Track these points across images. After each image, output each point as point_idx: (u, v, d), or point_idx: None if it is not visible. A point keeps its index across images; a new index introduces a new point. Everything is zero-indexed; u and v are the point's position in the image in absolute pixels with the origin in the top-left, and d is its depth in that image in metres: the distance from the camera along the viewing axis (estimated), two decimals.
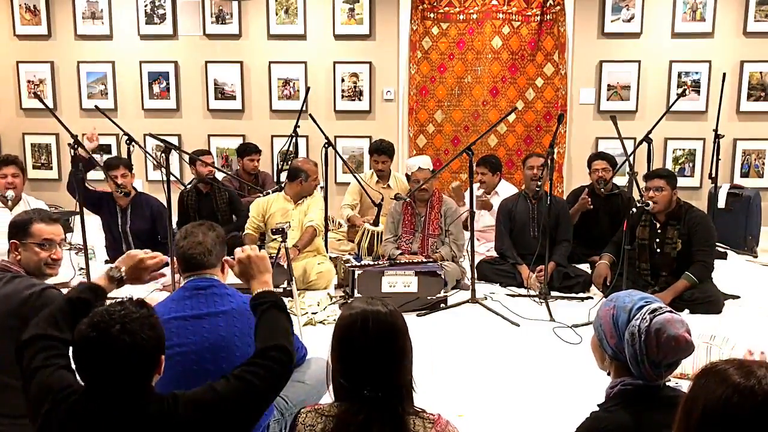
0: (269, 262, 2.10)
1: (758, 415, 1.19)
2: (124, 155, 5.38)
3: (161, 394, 1.67)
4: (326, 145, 5.29)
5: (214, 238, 2.35)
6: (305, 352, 2.65)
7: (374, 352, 1.64)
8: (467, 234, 4.83)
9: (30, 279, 2.43)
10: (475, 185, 5.29)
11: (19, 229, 2.48)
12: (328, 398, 1.81)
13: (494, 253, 5.23)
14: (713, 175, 5.88)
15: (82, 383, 1.65)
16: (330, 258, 5.09)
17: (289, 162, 5.32)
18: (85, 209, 4.45)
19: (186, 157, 5.81)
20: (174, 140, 6.70)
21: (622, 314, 1.77)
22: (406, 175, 5.11)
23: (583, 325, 4.01)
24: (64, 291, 2.43)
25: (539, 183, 4.66)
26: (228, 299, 2.28)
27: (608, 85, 6.67)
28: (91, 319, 1.61)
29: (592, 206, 5.28)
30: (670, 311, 1.76)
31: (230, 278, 2.48)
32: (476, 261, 4.64)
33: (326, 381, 1.75)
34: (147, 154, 5.96)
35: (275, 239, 4.70)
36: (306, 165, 5.03)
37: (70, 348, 1.77)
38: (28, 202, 4.78)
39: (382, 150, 5.76)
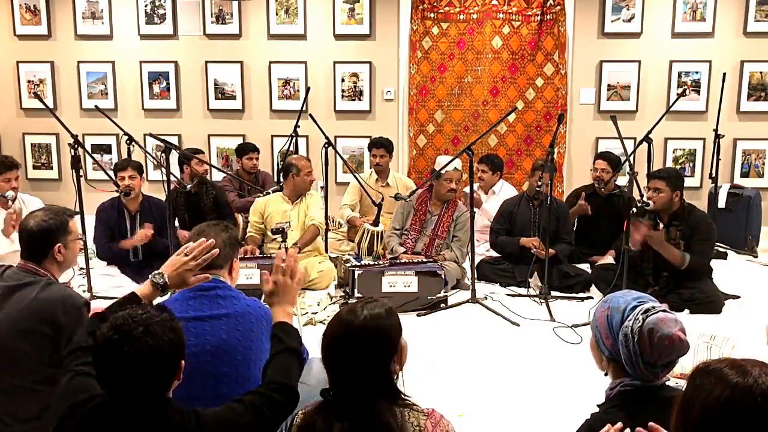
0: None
1: (756, 413, 1.19)
2: (125, 155, 5.39)
3: (181, 406, 1.67)
4: (326, 145, 5.28)
5: (225, 239, 2.35)
6: (306, 355, 2.65)
7: (337, 358, 1.69)
8: (467, 234, 4.83)
9: (65, 288, 2.44)
10: (475, 185, 5.29)
11: (60, 231, 2.46)
12: None
13: (493, 253, 5.23)
14: (713, 175, 5.87)
15: (102, 389, 1.63)
16: (330, 258, 5.09)
17: None
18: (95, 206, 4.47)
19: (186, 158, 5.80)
20: (174, 140, 6.70)
21: (615, 315, 1.78)
22: (434, 170, 5.03)
23: (583, 325, 4.01)
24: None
25: (540, 183, 4.65)
26: (232, 302, 2.28)
27: (608, 85, 6.67)
28: (113, 323, 1.59)
29: (590, 213, 5.28)
30: (664, 310, 1.75)
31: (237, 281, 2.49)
32: (476, 261, 4.64)
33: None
34: (147, 154, 5.96)
35: (275, 239, 4.70)
36: (297, 161, 5.02)
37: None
38: (23, 201, 4.79)
39: (380, 144, 5.77)
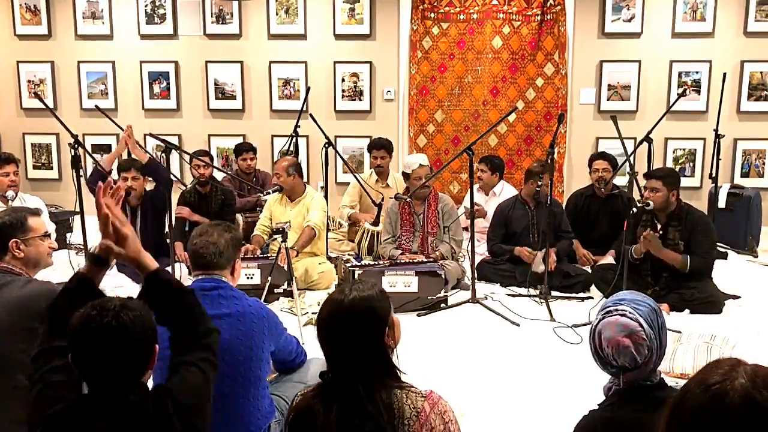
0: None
1: (729, 417, 1.09)
2: (125, 155, 5.39)
3: (151, 389, 1.70)
4: (326, 145, 5.28)
5: (228, 239, 2.38)
6: (305, 357, 2.66)
7: (331, 339, 1.70)
8: (467, 234, 4.83)
9: (48, 282, 2.46)
10: (475, 186, 5.29)
11: (15, 228, 2.48)
12: None
13: None
14: (714, 175, 5.87)
15: (80, 373, 1.64)
16: (330, 258, 5.09)
17: None
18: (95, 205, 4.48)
19: (187, 158, 5.81)
20: (174, 140, 6.70)
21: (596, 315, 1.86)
22: (404, 173, 5.07)
23: (583, 325, 4.01)
24: None
25: (539, 184, 4.65)
26: (234, 301, 2.29)
27: (608, 85, 6.67)
28: (89, 305, 1.62)
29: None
30: (622, 314, 1.75)
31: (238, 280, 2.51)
32: (476, 261, 4.64)
33: None
34: (147, 154, 5.95)
35: (275, 239, 4.71)
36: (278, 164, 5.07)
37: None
38: (24, 199, 4.79)
39: (380, 145, 5.76)
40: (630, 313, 1.74)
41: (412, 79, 6.76)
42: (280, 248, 4.03)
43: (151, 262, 1.89)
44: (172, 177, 4.64)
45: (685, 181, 6.38)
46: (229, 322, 2.21)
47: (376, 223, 5.10)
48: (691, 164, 6.72)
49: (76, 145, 4.35)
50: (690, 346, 3.43)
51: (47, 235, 2.60)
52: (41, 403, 1.66)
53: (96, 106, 5.55)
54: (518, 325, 4.11)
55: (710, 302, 4.24)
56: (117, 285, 4.60)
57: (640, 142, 4.59)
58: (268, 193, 4.97)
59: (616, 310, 1.76)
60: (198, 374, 1.74)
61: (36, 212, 2.66)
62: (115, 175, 5.03)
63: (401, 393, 1.66)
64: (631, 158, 4.34)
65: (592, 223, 5.35)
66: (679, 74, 6.59)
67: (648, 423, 1.53)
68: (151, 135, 4.88)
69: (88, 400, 1.62)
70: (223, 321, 2.19)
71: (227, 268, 2.38)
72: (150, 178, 5.06)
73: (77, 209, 4.47)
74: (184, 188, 5.49)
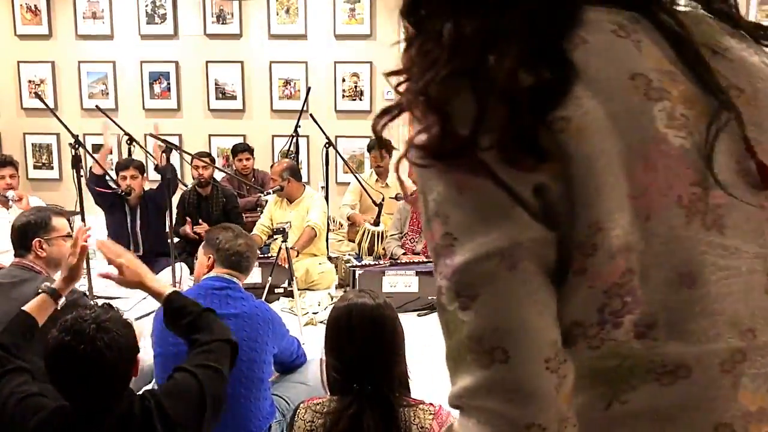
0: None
1: None
2: (125, 155, 5.39)
3: (138, 394, 1.68)
4: (327, 145, 5.28)
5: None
6: (305, 359, 2.67)
7: (359, 345, 1.64)
8: None
9: None
10: None
11: (39, 227, 2.51)
12: None
13: None
14: None
15: (60, 394, 1.61)
16: (330, 258, 5.09)
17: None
18: (95, 205, 4.50)
19: (187, 158, 5.81)
20: (175, 140, 6.68)
21: None
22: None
23: None
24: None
25: None
26: (241, 303, 2.32)
27: None
28: (63, 325, 1.56)
29: None
30: None
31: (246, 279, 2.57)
32: None
33: (320, 375, 1.76)
34: (148, 154, 5.95)
35: (276, 239, 4.71)
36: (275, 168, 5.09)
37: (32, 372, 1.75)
38: (28, 201, 4.78)
39: (380, 146, 5.75)
40: None
41: None
42: (280, 248, 4.03)
43: (160, 288, 1.93)
44: (177, 177, 4.65)
45: None
46: (236, 322, 2.22)
47: (376, 223, 5.10)
48: None
49: (76, 145, 4.34)
50: None
51: (70, 236, 2.61)
52: (24, 412, 1.61)
53: (96, 106, 5.55)
54: None
55: None
56: (116, 285, 4.60)
57: None
58: (269, 193, 4.97)
59: None
60: (191, 381, 1.70)
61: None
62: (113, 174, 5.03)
63: (409, 411, 1.62)
64: None
65: None
66: None
67: None
68: (151, 135, 4.88)
69: (73, 409, 1.60)
70: (230, 321, 2.20)
71: (246, 275, 2.48)
72: (150, 178, 5.06)
73: (78, 209, 4.47)
74: (184, 188, 5.50)
